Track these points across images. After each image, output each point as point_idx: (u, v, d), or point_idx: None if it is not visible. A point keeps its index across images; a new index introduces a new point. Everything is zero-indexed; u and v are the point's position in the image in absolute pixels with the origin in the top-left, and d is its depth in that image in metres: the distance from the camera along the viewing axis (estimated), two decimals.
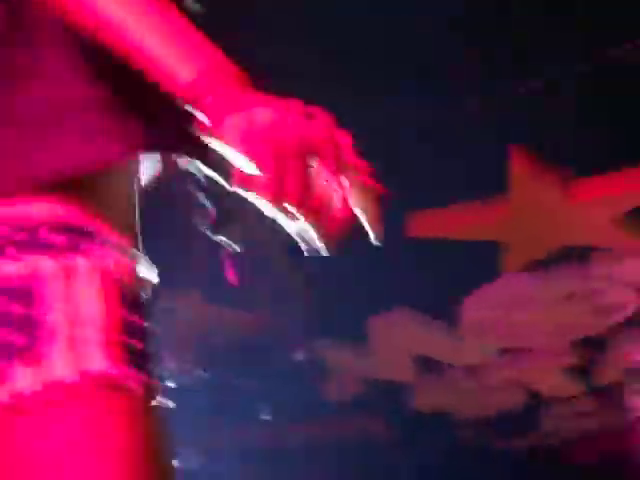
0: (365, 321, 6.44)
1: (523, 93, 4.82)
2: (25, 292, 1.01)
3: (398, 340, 6.52)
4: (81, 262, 1.05)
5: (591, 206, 5.37)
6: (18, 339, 1.00)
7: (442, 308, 6.22)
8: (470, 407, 7.75)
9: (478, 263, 5.97)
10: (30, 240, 1.03)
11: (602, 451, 9.49)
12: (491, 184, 5.29)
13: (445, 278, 5.76)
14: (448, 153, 5.03)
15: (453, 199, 5.39)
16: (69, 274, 1.03)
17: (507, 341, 6.80)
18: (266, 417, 7.38)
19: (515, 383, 7.46)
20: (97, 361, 1.01)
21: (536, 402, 7.94)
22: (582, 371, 7.32)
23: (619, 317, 6.44)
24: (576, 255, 5.89)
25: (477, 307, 6.22)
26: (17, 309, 1.00)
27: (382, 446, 8.17)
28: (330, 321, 6.14)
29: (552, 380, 7.31)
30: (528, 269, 5.91)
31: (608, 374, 7.36)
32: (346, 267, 4.78)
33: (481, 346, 6.84)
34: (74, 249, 1.05)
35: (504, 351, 7.04)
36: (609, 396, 7.95)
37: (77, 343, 1.00)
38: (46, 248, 1.03)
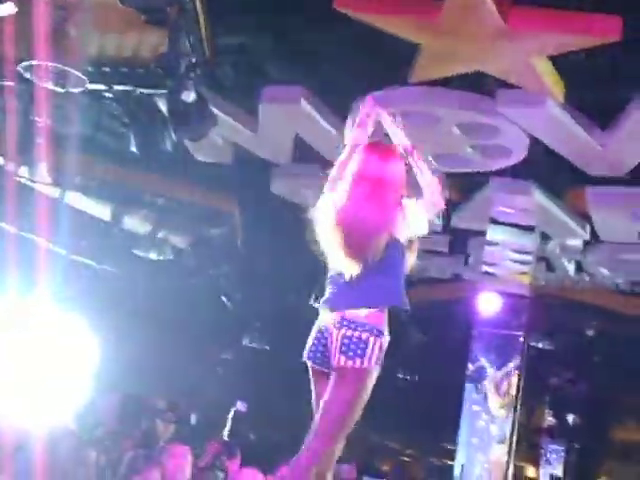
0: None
1: None
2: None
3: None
4: None
5: (522, 38, 5.11)
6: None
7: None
8: None
9: (390, 63, 5.70)
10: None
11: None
12: None
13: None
14: None
15: None
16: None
17: None
18: None
19: None
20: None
21: None
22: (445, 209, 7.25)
23: (503, 162, 6.34)
24: (485, 85, 5.66)
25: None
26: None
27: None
28: None
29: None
30: (431, 84, 5.65)
31: (467, 219, 7.36)
32: None
33: None
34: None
35: None
36: (462, 243, 8.03)
37: None
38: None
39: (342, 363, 3.35)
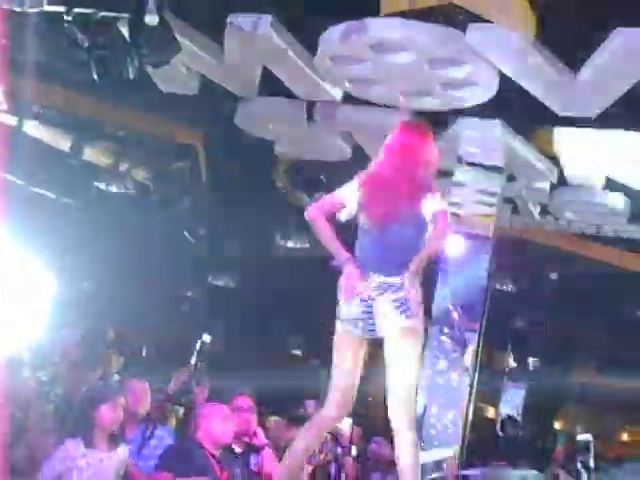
0: None
1: None
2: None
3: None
4: None
5: None
6: None
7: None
8: None
9: None
10: None
11: None
12: None
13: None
14: None
15: None
16: None
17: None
18: None
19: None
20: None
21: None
22: None
23: (472, 100, 6.21)
24: (456, 18, 5.53)
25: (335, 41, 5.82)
26: None
27: None
28: None
29: None
30: (404, 16, 5.51)
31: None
32: None
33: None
34: None
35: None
36: None
37: None
38: None
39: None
